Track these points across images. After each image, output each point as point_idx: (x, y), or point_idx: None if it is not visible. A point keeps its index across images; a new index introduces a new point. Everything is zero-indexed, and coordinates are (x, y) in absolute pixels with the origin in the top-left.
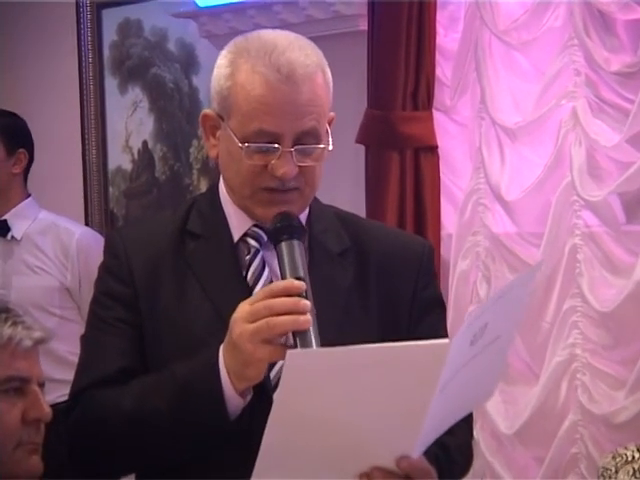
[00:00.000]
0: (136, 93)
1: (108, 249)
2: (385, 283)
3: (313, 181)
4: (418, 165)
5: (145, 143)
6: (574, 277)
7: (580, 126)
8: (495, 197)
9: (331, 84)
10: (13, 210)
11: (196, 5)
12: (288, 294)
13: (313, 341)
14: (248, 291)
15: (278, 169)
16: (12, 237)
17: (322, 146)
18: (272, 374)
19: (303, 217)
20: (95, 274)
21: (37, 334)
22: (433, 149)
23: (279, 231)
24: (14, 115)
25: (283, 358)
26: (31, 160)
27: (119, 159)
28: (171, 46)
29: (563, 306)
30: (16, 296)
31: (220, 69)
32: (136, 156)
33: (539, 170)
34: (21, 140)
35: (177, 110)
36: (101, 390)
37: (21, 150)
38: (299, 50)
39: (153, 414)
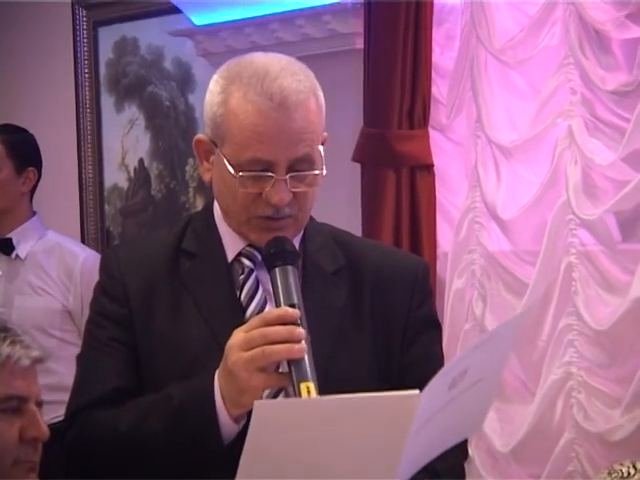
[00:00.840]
0: (132, 111)
1: (103, 269)
2: (379, 302)
3: (306, 206)
4: (414, 183)
5: (141, 161)
6: (570, 295)
7: (576, 145)
8: (491, 215)
9: (324, 107)
10: (19, 228)
11: (192, 23)
12: (283, 322)
13: (308, 369)
14: (242, 311)
15: (272, 197)
16: (16, 256)
17: (317, 172)
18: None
19: (297, 236)
20: None
21: (35, 353)
22: (429, 167)
23: (273, 257)
24: (24, 131)
25: (278, 386)
26: (39, 179)
27: (115, 177)
28: (167, 64)
29: (559, 324)
30: (17, 316)
31: (212, 95)
32: (132, 174)
33: (535, 188)
34: (31, 158)
35: (173, 128)
36: (98, 410)
37: (31, 168)
38: (291, 76)
39: (149, 436)
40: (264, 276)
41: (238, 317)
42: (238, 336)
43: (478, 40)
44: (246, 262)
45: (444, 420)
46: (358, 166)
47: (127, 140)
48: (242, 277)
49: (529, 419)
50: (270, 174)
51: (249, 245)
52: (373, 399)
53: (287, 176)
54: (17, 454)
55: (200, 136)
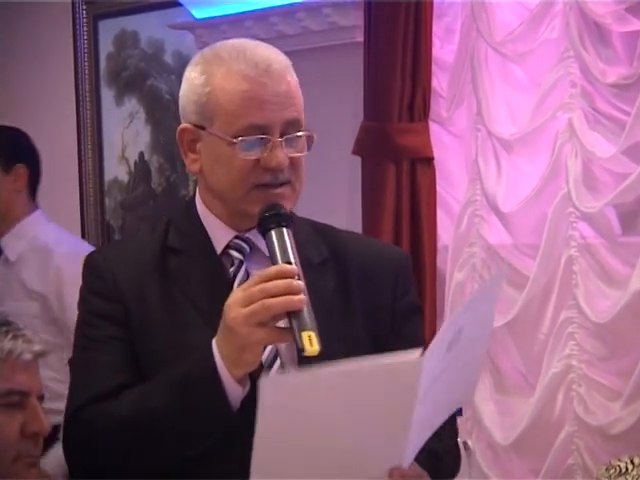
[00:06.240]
0: (132, 104)
1: (91, 270)
2: (366, 291)
3: (302, 174)
4: (414, 176)
5: (141, 154)
6: (570, 288)
7: (576, 138)
8: (491, 208)
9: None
10: (15, 228)
11: (193, 17)
12: (281, 277)
13: (308, 321)
14: None
15: (271, 160)
16: (7, 259)
17: (307, 133)
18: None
19: None
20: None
21: (37, 347)
22: (429, 160)
23: (267, 220)
24: (11, 129)
25: (279, 340)
26: (36, 174)
27: (115, 170)
28: (167, 57)
29: (559, 317)
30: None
31: (193, 81)
32: (132, 167)
33: (535, 181)
34: (18, 154)
35: (173, 121)
36: (98, 405)
37: (19, 165)
38: (267, 49)
39: (153, 415)
40: (254, 267)
41: None
42: (237, 294)
43: (478, 33)
44: (235, 254)
45: (444, 385)
46: (358, 159)
47: (127, 133)
48: (232, 269)
49: (529, 412)
50: (267, 137)
51: (236, 237)
52: (378, 365)
53: (282, 139)
54: (18, 449)
55: (184, 125)
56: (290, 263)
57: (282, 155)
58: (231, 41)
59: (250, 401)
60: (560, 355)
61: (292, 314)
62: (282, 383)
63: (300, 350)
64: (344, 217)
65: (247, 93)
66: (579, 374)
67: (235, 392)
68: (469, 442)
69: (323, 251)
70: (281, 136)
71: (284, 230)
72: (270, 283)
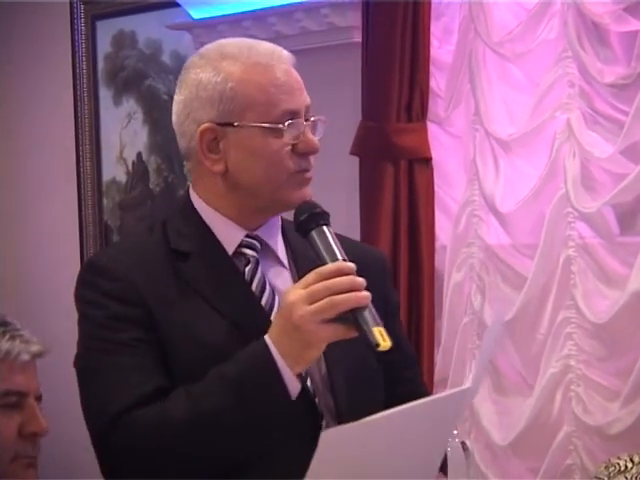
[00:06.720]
0: (130, 105)
1: (101, 274)
2: None
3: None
4: (412, 177)
5: (139, 155)
6: (568, 288)
7: (574, 138)
8: (489, 209)
9: None
10: None
11: (190, 17)
12: (340, 275)
13: (375, 316)
14: (257, 300)
15: (308, 143)
16: None
17: (322, 117)
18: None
19: (278, 232)
20: None
21: (35, 348)
22: (427, 161)
23: (305, 223)
24: None
25: (344, 336)
26: None
27: (113, 171)
28: (165, 58)
29: (557, 317)
30: None
31: (208, 80)
32: (130, 168)
33: (533, 182)
34: None
35: (171, 122)
36: (139, 410)
37: None
38: (267, 42)
39: (214, 416)
40: (268, 266)
41: (256, 306)
42: (298, 292)
43: (476, 34)
44: (249, 252)
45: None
46: (356, 159)
47: (125, 134)
48: (248, 268)
49: (528, 412)
50: (300, 121)
51: (247, 236)
52: (434, 401)
53: (309, 123)
54: (16, 450)
55: (205, 125)
56: (338, 260)
57: (314, 138)
58: (226, 40)
59: (302, 394)
60: (558, 355)
61: (357, 310)
62: (341, 434)
63: (375, 346)
64: (342, 217)
65: (276, 81)
66: (577, 374)
67: (294, 388)
68: (467, 442)
69: None
70: (305, 120)
71: (324, 229)
72: (333, 281)
